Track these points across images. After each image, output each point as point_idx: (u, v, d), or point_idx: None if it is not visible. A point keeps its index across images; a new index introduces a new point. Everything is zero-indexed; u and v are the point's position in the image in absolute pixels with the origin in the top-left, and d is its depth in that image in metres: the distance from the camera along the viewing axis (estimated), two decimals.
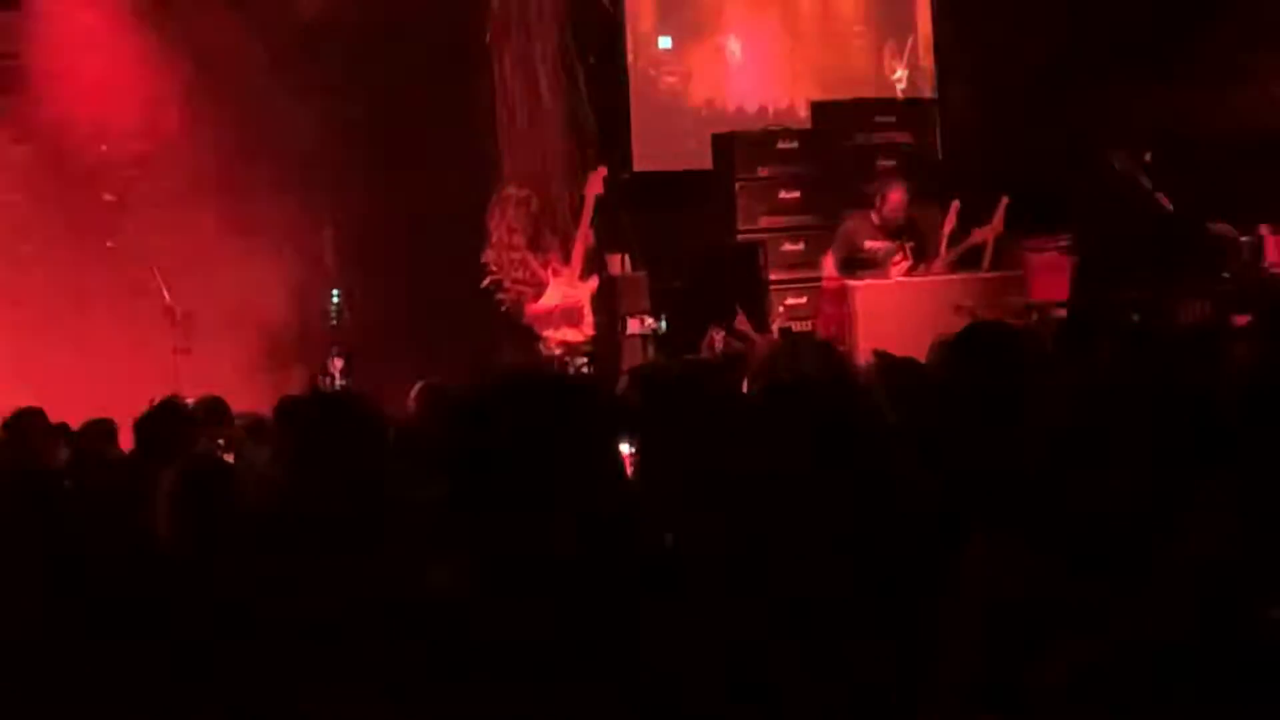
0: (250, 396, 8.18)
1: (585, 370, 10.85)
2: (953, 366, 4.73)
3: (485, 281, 11.63)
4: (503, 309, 11.75)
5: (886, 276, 11.06)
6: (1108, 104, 12.62)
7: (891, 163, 12.52)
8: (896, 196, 11.37)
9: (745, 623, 2.97)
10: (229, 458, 6.32)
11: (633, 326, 11.69)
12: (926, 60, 13.90)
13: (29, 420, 7.43)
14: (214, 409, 7.48)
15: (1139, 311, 9.13)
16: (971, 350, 4.66)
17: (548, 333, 11.47)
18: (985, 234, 11.23)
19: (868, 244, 11.32)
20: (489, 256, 11.66)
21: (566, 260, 11.55)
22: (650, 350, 11.61)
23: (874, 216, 11.33)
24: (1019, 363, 4.59)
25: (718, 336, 10.82)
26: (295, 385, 10.82)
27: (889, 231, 11.29)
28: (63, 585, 3.46)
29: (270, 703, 3.05)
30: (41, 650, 3.28)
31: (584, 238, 11.51)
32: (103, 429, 7.44)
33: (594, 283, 11.65)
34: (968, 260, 11.28)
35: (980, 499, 3.48)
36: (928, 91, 13.81)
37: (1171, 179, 12.09)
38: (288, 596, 3.43)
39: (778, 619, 3.16)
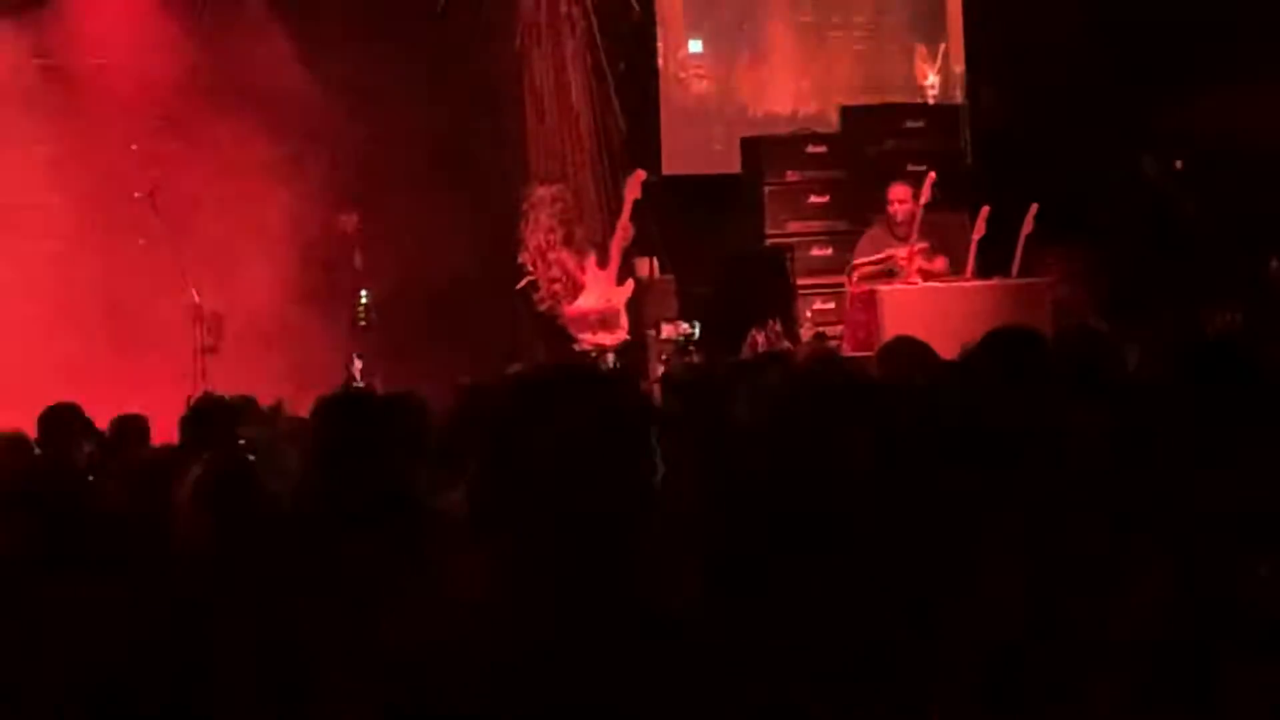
0: (278, 396, 8.16)
1: (616, 368, 10.86)
2: (983, 370, 4.73)
3: (521, 283, 11.64)
4: (539, 310, 11.75)
5: (910, 282, 11.07)
6: (1139, 110, 12.58)
7: (922, 168, 12.51)
8: (895, 192, 11.42)
9: (764, 624, 2.97)
10: (254, 457, 6.30)
11: (666, 332, 11.70)
12: (958, 65, 13.86)
13: (63, 416, 7.40)
14: (246, 408, 7.47)
15: (1167, 320, 9.11)
16: (1001, 354, 4.66)
17: (584, 335, 11.48)
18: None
19: (886, 252, 11.36)
20: (525, 258, 11.67)
21: (603, 264, 11.55)
22: (680, 355, 11.60)
23: (887, 223, 11.42)
24: (1049, 367, 4.59)
25: (760, 337, 10.83)
26: (324, 385, 10.82)
27: (904, 235, 11.32)
28: (83, 581, 3.46)
29: (286, 706, 3.05)
30: (60, 648, 3.28)
31: (621, 241, 11.51)
32: (134, 425, 7.43)
33: (629, 286, 11.65)
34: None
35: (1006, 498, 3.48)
36: (959, 97, 13.77)
37: (1203, 187, 12.05)
38: (309, 597, 3.42)
39: (797, 618, 3.15)
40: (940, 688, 2.93)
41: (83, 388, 8.32)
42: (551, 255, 11.57)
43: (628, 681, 2.51)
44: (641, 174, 11.51)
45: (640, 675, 2.52)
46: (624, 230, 11.47)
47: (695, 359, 11.38)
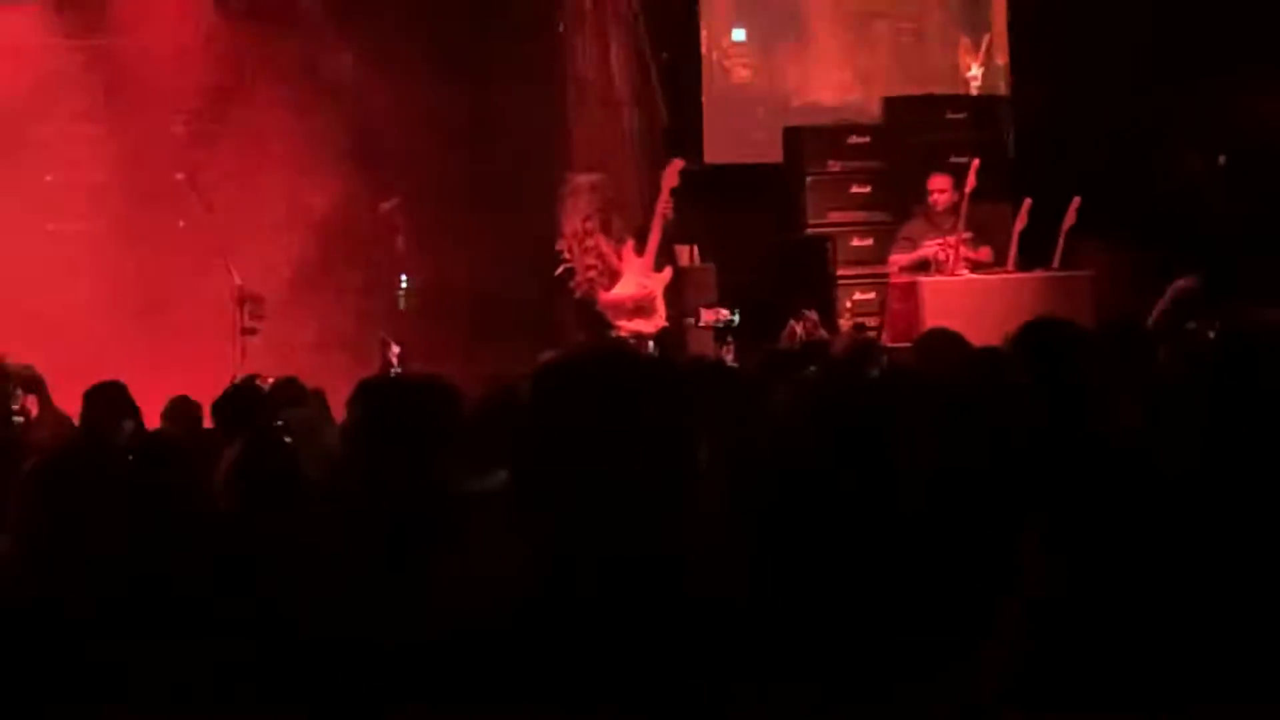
0: (316, 381, 8.18)
1: (655, 355, 10.86)
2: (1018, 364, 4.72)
3: (559, 270, 11.65)
4: (576, 296, 11.76)
5: (955, 273, 11.06)
6: (1184, 105, 12.52)
7: (964, 159, 12.46)
8: (935, 182, 11.43)
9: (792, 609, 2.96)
10: (293, 439, 6.32)
11: (706, 317, 11.69)
12: (1002, 58, 13.80)
13: (107, 395, 7.43)
14: (289, 390, 7.50)
15: (1210, 315, 9.05)
16: (1036, 348, 4.64)
17: (620, 322, 11.49)
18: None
19: (926, 244, 11.34)
20: (562, 245, 11.67)
21: (641, 251, 11.56)
22: (720, 342, 11.60)
23: (928, 215, 11.42)
24: (1084, 362, 4.57)
25: (799, 327, 10.82)
26: (362, 370, 10.84)
27: (944, 226, 11.31)
28: (120, 559, 3.46)
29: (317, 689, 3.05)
30: (98, 624, 3.29)
31: (659, 229, 11.51)
32: (187, 408, 7.46)
33: (667, 274, 11.66)
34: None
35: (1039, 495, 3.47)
36: (1002, 89, 13.71)
37: (1248, 182, 11.98)
38: (345, 579, 3.44)
39: (830, 607, 3.15)
40: (978, 685, 2.92)
41: (123, 368, 8.35)
42: (589, 242, 11.58)
43: (667, 664, 2.52)
44: (679, 163, 11.51)
45: (679, 658, 2.53)
46: (661, 218, 11.47)
47: (732, 347, 11.37)
